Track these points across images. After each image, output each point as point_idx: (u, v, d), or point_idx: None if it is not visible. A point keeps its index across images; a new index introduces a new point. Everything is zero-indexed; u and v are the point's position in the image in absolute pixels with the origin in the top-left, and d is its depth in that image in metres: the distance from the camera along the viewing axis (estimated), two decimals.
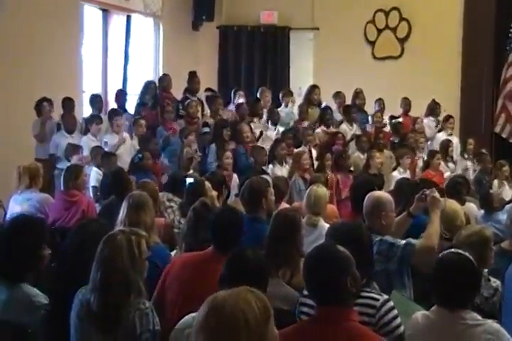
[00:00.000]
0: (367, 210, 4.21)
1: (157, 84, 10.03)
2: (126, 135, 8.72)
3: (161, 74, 11.25)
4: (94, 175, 7.56)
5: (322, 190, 5.68)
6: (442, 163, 9.34)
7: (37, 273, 3.61)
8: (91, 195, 7.36)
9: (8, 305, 3.28)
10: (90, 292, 3.02)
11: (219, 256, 3.82)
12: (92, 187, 7.49)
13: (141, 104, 9.69)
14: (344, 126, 10.25)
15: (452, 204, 5.04)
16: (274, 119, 9.90)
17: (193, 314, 2.83)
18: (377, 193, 4.32)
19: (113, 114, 8.97)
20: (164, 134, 8.90)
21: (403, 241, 4.06)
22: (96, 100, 9.39)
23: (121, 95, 9.79)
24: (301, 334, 2.77)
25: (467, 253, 3.26)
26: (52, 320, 3.27)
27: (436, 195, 4.36)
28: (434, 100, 10.96)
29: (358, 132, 10.12)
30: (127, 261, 3.03)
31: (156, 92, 9.89)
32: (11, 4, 8.47)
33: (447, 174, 8.95)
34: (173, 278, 3.87)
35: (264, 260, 3.27)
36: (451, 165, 9.66)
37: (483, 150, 10.03)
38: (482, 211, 6.70)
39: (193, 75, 10.31)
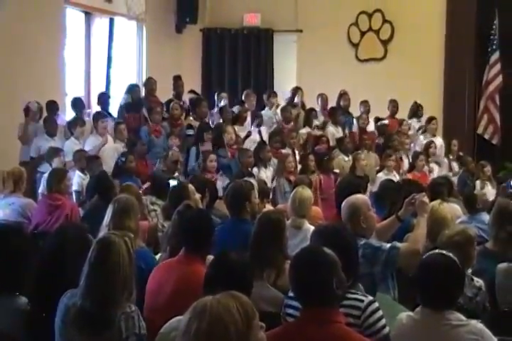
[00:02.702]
0: (345, 217, 4.21)
1: (141, 88, 10.01)
2: (110, 139, 8.69)
3: (144, 77, 11.24)
4: (76, 180, 7.52)
5: (307, 193, 5.67)
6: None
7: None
8: (74, 199, 7.32)
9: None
10: (80, 295, 3.00)
11: (189, 258, 3.88)
12: (75, 191, 7.44)
13: (124, 107, 9.67)
14: (331, 128, 10.29)
15: (444, 209, 5.04)
16: (258, 122, 9.91)
17: (179, 317, 2.82)
18: (351, 199, 4.28)
19: (98, 116, 8.93)
20: (148, 135, 8.90)
21: (388, 245, 4.07)
22: (78, 103, 9.35)
23: (103, 98, 9.74)
24: (287, 336, 2.77)
25: (451, 254, 3.27)
26: (33, 325, 3.24)
27: (425, 199, 4.39)
28: (416, 102, 11.04)
29: (345, 134, 10.17)
30: (126, 262, 3.05)
31: (139, 95, 9.88)
32: None
33: (434, 174, 9.01)
34: (149, 283, 3.90)
35: (248, 262, 3.28)
36: (433, 165, 9.72)
37: (461, 153, 10.13)
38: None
39: (177, 79, 10.32)
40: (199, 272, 3.70)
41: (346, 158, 9.31)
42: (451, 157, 10.17)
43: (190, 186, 5.60)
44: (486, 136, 12.07)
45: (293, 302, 3.22)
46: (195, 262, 3.86)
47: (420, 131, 10.81)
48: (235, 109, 10.19)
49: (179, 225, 4.24)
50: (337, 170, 8.84)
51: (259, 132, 9.69)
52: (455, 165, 9.97)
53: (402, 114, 10.99)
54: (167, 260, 4.14)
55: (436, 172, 9.51)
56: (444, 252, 3.31)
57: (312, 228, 4.87)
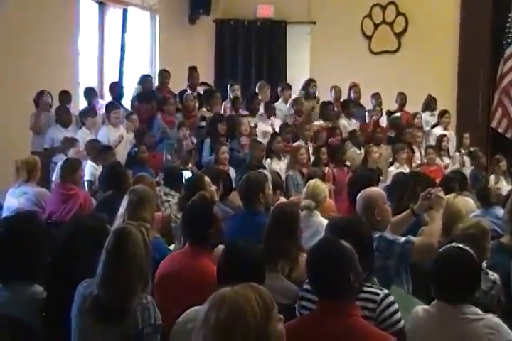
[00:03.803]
0: (360, 210, 4.20)
1: (154, 79, 10.00)
2: (122, 129, 8.69)
3: (157, 67, 11.24)
4: (89, 169, 7.52)
5: (321, 184, 5.69)
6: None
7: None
8: (86, 189, 7.34)
9: (12, 304, 3.24)
10: (97, 285, 3.01)
11: (193, 250, 3.85)
12: (87, 181, 7.45)
13: (136, 98, 9.66)
14: (343, 121, 10.26)
15: (459, 202, 5.02)
16: (271, 114, 9.88)
17: (196, 307, 2.82)
18: (366, 191, 4.28)
19: (110, 107, 8.93)
20: (161, 126, 8.88)
21: (403, 239, 4.06)
22: (90, 93, 9.35)
23: (114, 87, 9.72)
24: (304, 328, 2.76)
25: (467, 248, 3.26)
26: (49, 313, 3.25)
27: (441, 194, 4.38)
28: (430, 95, 10.98)
29: (357, 126, 10.13)
30: (143, 252, 3.05)
31: (151, 86, 9.87)
32: None
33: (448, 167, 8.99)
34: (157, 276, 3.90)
35: (258, 249, 3.26)
36: (445, 159, 9.68)
37: (472, 148, 10.07)
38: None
39: (193, 70, 10.31)
40: (203, 264, 3.73)
41: (358, 151, 9.28)
42: (462, 151, 10.12)
43: (206, 178, 5.59)
44: (500, 130, 11.99)
45: (308, 294, 3.22)
46: (200, 254, 3.84)
47: (430, 126, 10.74)
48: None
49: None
50: (348, 163, 8.82)
51: (272, 124, 9.67)
52: (466, 159, 9.92)
53: (416, 107, 10.93)
54: (173, 252, 4.14)
55: (445, 166, 9.48)
56: (461, 245, 3.30)
57: (325, 221, 4.87)
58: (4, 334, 2.21)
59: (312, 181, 5.76)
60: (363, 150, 9.16)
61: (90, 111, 8.79)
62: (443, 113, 10.64)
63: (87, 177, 7.43)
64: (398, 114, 10.69)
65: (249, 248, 3.18)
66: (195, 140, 8.70)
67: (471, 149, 10.05)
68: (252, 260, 3.08)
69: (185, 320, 2.96)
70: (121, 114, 8.92)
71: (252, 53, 13.18)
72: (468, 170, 9.31)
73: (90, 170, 7.52)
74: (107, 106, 9.10)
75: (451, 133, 10.44)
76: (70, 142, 7.84)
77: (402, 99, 10.98)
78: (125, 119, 8.95)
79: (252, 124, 9.37)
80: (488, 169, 9.34)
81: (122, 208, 4.41)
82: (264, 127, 9.56)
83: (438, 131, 10.42)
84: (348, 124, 10.25)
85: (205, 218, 3.96)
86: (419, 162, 9.54)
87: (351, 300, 2.84)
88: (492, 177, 8.85)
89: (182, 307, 3.11)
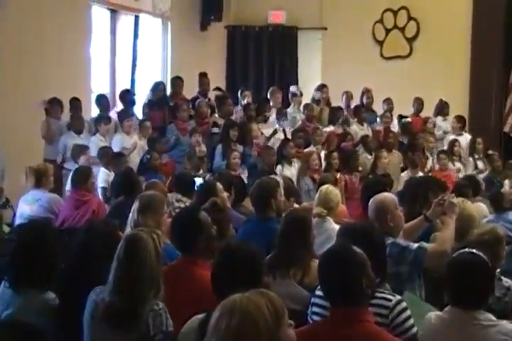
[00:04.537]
0: (372, 215, 4.18)
1: (166, 85, 10.02)
2: (136, 137, 8.72)
3: (169, 74, 11.26)
4: (102, 176, 7.55)
5: (333, 189, 5.67)
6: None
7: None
8: (100, 195, 7.36)
9: (25, 310, 3.25)
10: (109, 291, 3.01)
11: (185, 262, 3.73)
12: (101, 188, 7.48)
13: (148, 105, 9.69)
14: (355, 127, 10.24)
15: (470, 207, 5.01)
16: (282, 119, 9.88)
17: (199, 316, 2.82)
18: (379, 197, 4.26)
19: (123, 115, 8.95)
20: (176, 133, 8.90)
21: (415, 245, 4.04)
22: (102, 100, 9.38)
23: (125, 95, 9.75)
24: (316, 334, 2.75)
25: (481, 253, 3.24)
26: (61, 320, 3.26)
27: (454, 200, 4.36)
28: (441, 100, 10.94)
29: (368, 132, 10.11)
30: (154, 259, 3.04)
31: (164, 93, 9.89)
32: (19, 3, 8.48)
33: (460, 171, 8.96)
34: None
35: (256, 248, 3.11)
36: (457, 163, 9.64)
37: (490, 151, 10.01)
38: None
39: (203, 76, 10.33)
40: (196, 274, 3.61)
41: (369, 157, 9.26)
42: (476, 156, 10.06)
43: (219, 184, 5.59)
44: None
45: (320, 300, 3.21)
46: (192, 264, 3.70)
47: (442, 131, 10.68)
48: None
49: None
50: (360, 168, 8.80)
51: (284, 131, 9.66)
52: (480, 164, 9.87)
53: (428, 112, 10.90)
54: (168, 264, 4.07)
55: (457, 170, 9.44)
56: (475, 251, 3.27)
57: (337, 227, 4.85)
58: (17, 340, 2.22)
59: (324, 187, 5.74)
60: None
61: (104, 118, 8.82)
62: (457, 119, 10.59)
63: (100, 184, 7.46)
64: (408, 119, 10.66)
65: (245, 245, 3.09)
66: (204, 148, 8.69)
67: (489, 152, 9.98)
68: (249, 260, 2.97)
69: (188, 330, 2.93)
70: (134, 121, 8.94)
71: (264, 59, 13.20)
72: (481, 174, 9.26)
73: (103, 176, 7.55)
74: (119, 114, 9.12)
75: (467, 138, 10.38)
76: (81, 149, 7.87)
77: (419, 103, 10.94)
78: (138, 126, 8.97)
79: (265, 131, 9.39)
80: (502, 174, 9.28)
81: (131, 215, 4.41)
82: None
83: (452, 136, 10.37)
84: (359, 130, 10.23)
85: (192, 226, 3.81)
86: (430, 167, 9.49)
87: (364, 306, 2.83)
88: (506, 182, 8.80)
89: (182, 318, 3.05)
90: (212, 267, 3.06)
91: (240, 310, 1.96)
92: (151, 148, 8.29)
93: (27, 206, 6.42)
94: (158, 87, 9.84)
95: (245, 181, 7.09)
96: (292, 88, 11.02)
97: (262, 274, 2.96)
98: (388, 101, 10.78)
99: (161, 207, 4.47)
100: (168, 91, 10.18)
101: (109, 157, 7.76)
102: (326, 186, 5.74)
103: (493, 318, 3.12)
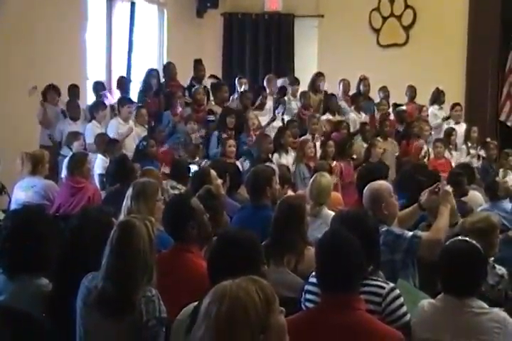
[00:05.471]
0: (367, 203, 4.18)
1: (161, 72, 10.00)
2: (131, 123, 8.71)
3: (165, 61, 11.23)
4: (99, 163, 7.56)
5: (326, 180, 5.60)
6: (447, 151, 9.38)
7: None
8: (97, 182, 7.35)
9: (18, 296, 3.25)
10: (102, 278, 3.01)
11: (179, 250, 3.73)
12: (98, 174, 7.48)
13: (143, 92, 9.66)
14: (353, 115, 10.24)
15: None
16: (280, 107, 9.85)
17: (195, 303, 2.82)
18: (373, 185, 4.25)
19: (123, 101, 8.93)
20: (172, 120, 8.88)
21: (410, 233, 4.04)
22: (98, 87, 9.36)
23: (122, 82, 9.73)
24: (308, 321, 2.76)
25: (474, 241, 3.25)
26: (54, 306, 3.26)
27: (449, 189, 4.35)
28: (438, 88, 10.92)
29: (366, 120, 10.11)
30: (147, 245, 3.04)
31: (158, 80, 9.86)
32: None
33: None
34: None
35: (254, 236, 3.06)
36: (454, 152, 9.66)
37: (488, 139, 10.02)
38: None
39: (198, 63, 10.29)
40: (189, 262, 3.62)
41: (365, 145, 9.25)
42: (469, 144, 10.08)
43: (213, 171, 5.59)
44: (509, 123, 11.97)
45: (313, 287, 3.22)
46: (185, 251, 3.69)
47: (441, 119, 10.68)
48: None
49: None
50: (355, 156, 8.79)
51: (283, 120, 9.63)
52: (474, 152, 9.89)
53: (424, 100, 10.90)
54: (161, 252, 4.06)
55: (455, 159, 9.46)
56: (468, 239, 3.29)
57: (332, 214, 4.86)
58: (9, 326, 2.22)
59: (317, 176, 5.69)
60: None
61: (101, 104, 8.81)
62: (453, 106, 10.60)
63: (98, 171, 7.47)
64: (404, 107, 10.66)
65: (242, 233, 3.05)
66: (203, 132, 8.68)
67: (487, 140, 10.00)
68: (247, 248, 2.91)
69: (184, 318, 2.93)
70: (132, 109, 8.94)
71: (260, 47, 13.17)
72: (475, 163, 9.29)
73: (101, 163, 7.54)
74: (120, 100, 9.10)
75: (463, 126, 10.39)
76: (74, 135, 7.89)
77: (412, 91, 10.94)
78: (134, 113, 8.96)
79: (261, 118, 9.37)
80: (497, 163, 9.30)
81: (125, 202, 4.41)
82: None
83: (449, 124, 10.38)
84: (357, 118, 10.23)
85: (183, 213, 3.79)
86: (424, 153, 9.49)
87: (355, 293, 2.83)
88: (501, 171, 8.82)
89: (177, 306, 3.06)
90: (209, 254, 3.05)
91: (229, 297, 1.96)
92: (150, 135, 8.29)
93: (22, 192, 6.41)
94: (152, 74, 9.80)
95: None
96: (280, 81, 10.90)
97: (260, 262, 2.94)
98: (384, 90, 10.79)
99: (155, 194, 4.45)
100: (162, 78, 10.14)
101: (105, 144, 7.76)
102: (318, 177, 5.65)
103: (486, 306, 3.13)
